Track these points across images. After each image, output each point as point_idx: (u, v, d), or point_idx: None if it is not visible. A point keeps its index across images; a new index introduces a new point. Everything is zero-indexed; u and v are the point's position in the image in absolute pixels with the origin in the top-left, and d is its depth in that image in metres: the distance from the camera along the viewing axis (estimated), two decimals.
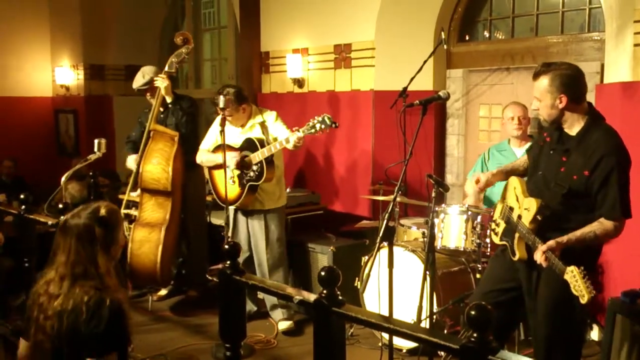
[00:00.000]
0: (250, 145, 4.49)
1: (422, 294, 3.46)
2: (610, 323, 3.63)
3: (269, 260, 4.64)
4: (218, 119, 4.65)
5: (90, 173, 5.91)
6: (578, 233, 2.87)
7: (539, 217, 2.93)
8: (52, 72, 9.28)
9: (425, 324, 3.62)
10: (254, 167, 4.44)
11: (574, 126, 2.99)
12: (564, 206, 2.96)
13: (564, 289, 2.94)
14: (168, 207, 4.74)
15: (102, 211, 2.41)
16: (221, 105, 4.52)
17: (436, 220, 4.02)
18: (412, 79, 5.06)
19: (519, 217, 3.03)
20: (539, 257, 2.83)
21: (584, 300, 2.63)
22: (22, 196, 4.15)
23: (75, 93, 8.99)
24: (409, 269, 4.16)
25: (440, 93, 3.50)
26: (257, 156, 4.40)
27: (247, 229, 4.71)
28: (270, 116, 4.67)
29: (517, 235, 3.03)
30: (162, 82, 4.89)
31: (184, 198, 4.93)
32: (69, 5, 8.78)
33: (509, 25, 5.41)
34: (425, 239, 3.87)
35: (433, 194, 3.41)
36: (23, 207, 4.09)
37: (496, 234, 3.27)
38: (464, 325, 3.78)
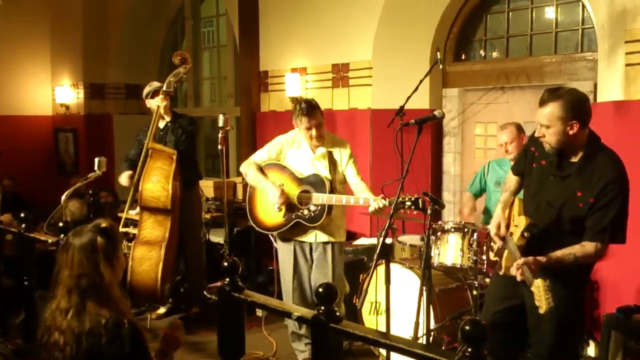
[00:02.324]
0: (317, 183, 4.04)
1: (419, 310, 3.48)
2: (606, 339, 3.67)
3: None
4: (292, 133, 4.27)
5: (90, 191, 5.96)
6: (559, 253, 2.87)
7: (525, 234, 2.96)
8: (52, 91, 9.35)
9: (423, 340, 3.64)
10: (312, 207, 4.03)
11: (575, 152, 2.93)
12: (557, 227, 2.97)
13: (567, 308, 2.97)
14: (167, 224, 4.76)
15: (104, 224, 2.44)
16: (220, 123, 4.55)
17: (432, 238, 4.05)
18: (408, 98, 5.13)
19: (510, 234, 3.08)
20: (514, 270, 2.84)
21: (541, 310, 2.67)
22: (22, 214, 4.17)
23: (75, 112, 9.05)
24: (407, 286, 4.18)
25: (436, 113, 3.55)
26: (321, 199, 3.96)
27: (311, 262, 4.25)
28: (344, 150, 4.17)
29: (506, 251, 3.06)
30: (160, 102, 4.94)
31: (181, 216, 4.95)
32: (70, 24, 8.87)
33: (504, 44, 5.49)
34: (422, 256, 3.90)
35: (429, 211, 3.45)
36: (23, 225, 4.10)
37: (492, 250, 3.31)
38: (462, 342, 3.81)
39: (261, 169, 4.22)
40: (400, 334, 3.03)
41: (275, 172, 4.20)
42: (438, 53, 5.24)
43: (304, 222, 4.08)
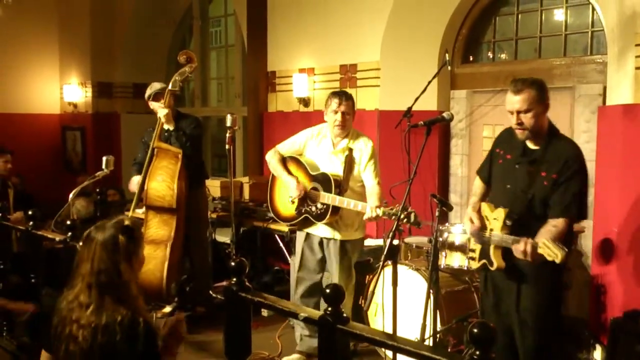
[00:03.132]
0: (325, 182, 4.11)
1: (426, 312, 3.48)
2: (613, 343, 3.65)
3: None
4: (319, 126, 4.33)
5: (97, 190, 5.97)
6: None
7: (508, 222, 3.13)
8: (60, 90, 9.39)
9: (429, 342, 3.63)
10: (319, 205, 4.13)
11: (539, 138, 3.16)
12: (531, 213, 3.13)
13: (547, 299, 3.16)
14: (173, 224, 4.76)
15: (127, 222, 2.44)
16: (228, 123, 4.57)
17: (440, 240, 4.04)
18: (416, 99, 5.12)
19: (491, 231, 3.21)
20: (522, 246, 2.96)
21: (558, 259, 2.81)
22: (30, 212, 4.19)
23: (83, 110, 9.08)
24: (413, 288, 4.17)
25: (445, 114, 3.55)
26: (327, 198, 4.04)
27: (322, 255, 4.33)
28: (366, 148, 4.16)
29: (492, 247, 3.19)
30: (161, 112, 4.90)
31: (187, 215, 4.94)
32: (78, 23, 8.91)
33: (512, 46, 5.48)
34: (429, 258, 3.89)
35: (437, 213, 3.44)
36: (31, 223, 4.12)
37: (474, 259, 3.39)
38: (468, 344, 3.79)
39: (283, 160, 4.38)
40: (405, 336, 3.03)
41: (292, 166, 4.36)
42: (447, 54, 5.23)
43: (311, 218, 4.21)
